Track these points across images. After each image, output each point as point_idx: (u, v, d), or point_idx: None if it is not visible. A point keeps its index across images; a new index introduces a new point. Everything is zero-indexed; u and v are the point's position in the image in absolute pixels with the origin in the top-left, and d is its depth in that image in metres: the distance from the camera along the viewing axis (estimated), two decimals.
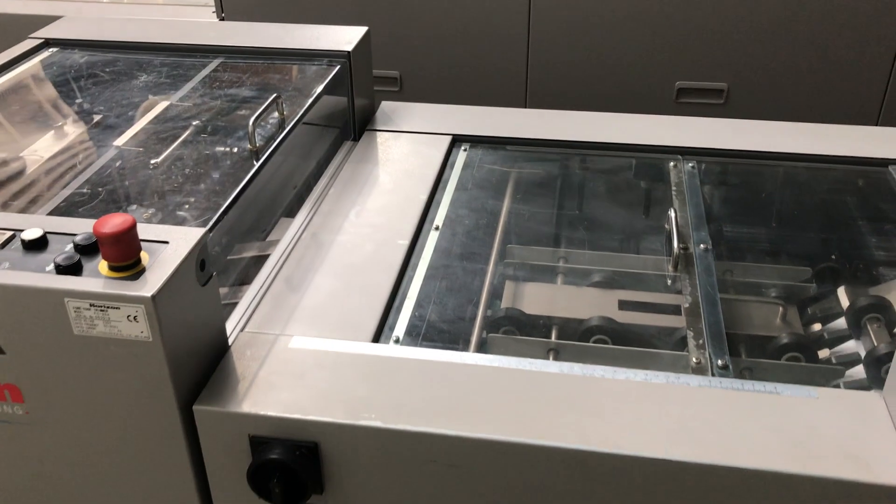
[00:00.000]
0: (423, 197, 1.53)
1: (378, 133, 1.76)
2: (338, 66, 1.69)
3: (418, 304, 1.29)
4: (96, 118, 1.54)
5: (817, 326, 1.43)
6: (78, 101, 1.59)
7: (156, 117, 1.50)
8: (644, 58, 2.41)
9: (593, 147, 1.71)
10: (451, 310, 1.33)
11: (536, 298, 1.47)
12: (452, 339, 1.28)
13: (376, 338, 1.19)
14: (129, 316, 0.98)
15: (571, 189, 1.72)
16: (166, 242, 1.06)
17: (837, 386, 1.25)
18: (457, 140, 1.74)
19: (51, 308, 0.99)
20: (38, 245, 1.05)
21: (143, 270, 1.01)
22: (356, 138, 1.73)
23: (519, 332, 1.38)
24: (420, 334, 1.24)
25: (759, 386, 1.07)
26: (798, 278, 1.49)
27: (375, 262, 1.35)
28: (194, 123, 1.51)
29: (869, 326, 1.34)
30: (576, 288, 1.50)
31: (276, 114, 1.52)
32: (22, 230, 1.07)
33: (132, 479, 1.12)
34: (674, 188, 1.59)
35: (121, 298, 0.97)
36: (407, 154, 1.68)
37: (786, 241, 1.58)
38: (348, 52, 1.70)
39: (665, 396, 1.05)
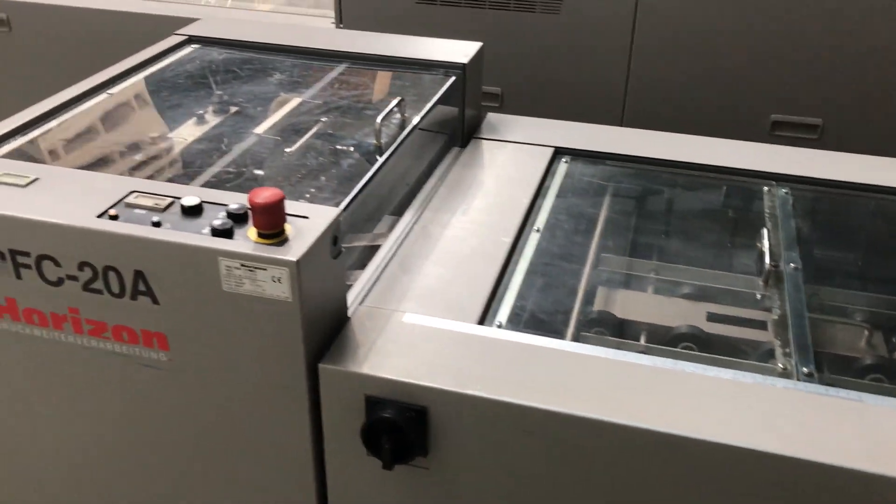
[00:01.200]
0: (526, 202, 1.63)
1: (484, 141, 1.87)
2: (453, 77, 1.81)
3: (520, 296, 1.39)
4: (234, 109, 1.70)
5: None
6: (218, 92, 1.76)
7: (289, 111, 1.65)
8: (742, 87, 2.47)
9: (689, 167, 1.79)
10: (549, 304, 1.43)
11: (627, 304, 1.55)
12: (549, 330, 1.38)
13: (481, 321, 1.30)
14: (273, 277, 1.11)
15: (665, 206, 1.80)
16: (306, 217, 1.19)
17: None
18: (558, 152, 1.84)
19: (205, 265, 1.13)
20: (195, 211, 1.20)
21: (286, 239, 1.14)
22: (463, 145, 1.85)
23: (609, 333, 1.47)
24: (521, 322, 1.34)
25: (843, 393, 1.13)
26: (885, 306, 1.54)
27: (481, 255, 1.46)
28: (323, 119, 1.65)
29: None
30: (665, 298, 1.57)
31: (397, 116, 1.65)
32: (181, 197, 1.22)
33: (256, 428, 1.25)
34: (767, 211, 1.66)
35: (268, 261, 1.10)
36: (511, 162, 1.78)
37: (875, 269, 1.62)
38: (464, 64, 1.82)
39: (751, 393, 1.13)
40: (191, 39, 1.98)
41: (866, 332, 1.46)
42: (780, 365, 1.24)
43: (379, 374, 1.16)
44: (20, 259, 1.21)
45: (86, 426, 1.35)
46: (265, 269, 1.11)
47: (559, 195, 1.70)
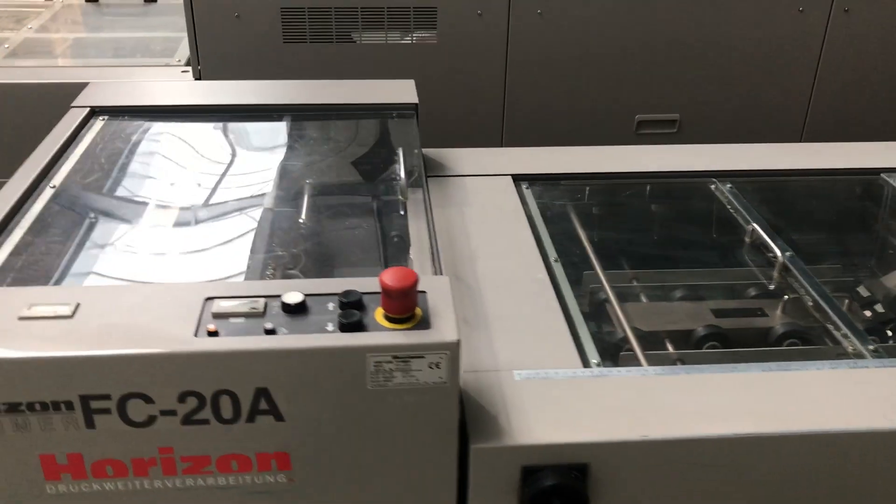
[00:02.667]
0: (528, 234, 1.62)
1: (442, 179, 1.83)
2: (413, 117, 1.75)
3: (590, 330, 1.38)
4: (204, 183, 1.51)
5: None
6: (175, 168, 1.55)
7: (279, 176, 1.50)
8: (609, 92, 2.64)
9: (640, 176, 1.88)
10: (610, 332, 1.44)
11: (645, 316, 1.60)
12: (631, 359, 1.39)
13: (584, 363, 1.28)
14: (431, 363, 1.02)
15: (631, 216, 1.88)
16: (424, 292, 1.09)
17: None
18: (516, 179, 1.85)
19: (349, 365, 1.01)
20: (300, 308, 1.06)
21: (423, 319, 1.04)
22: (423, 186, 1.80)
23: (691, 347, 1.51)
24: (608, 355, 1.34)
25: None
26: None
27: (531, 297, 1.43)
28: (312, 180, 1.52)
29: None
30: (678, 303, 1.65)
31: (395, 167, 1.56)
32: (276, 295, 1.07)
33: None
34: (729, 207, 1.79)
35: (426, 347, 1.01)
36: (482, 196, 1.76)
37: (854, 245, 1.82)
38: (416, 104, 1.77)
39: (859, 379, 1.22)
40: (94, 112, 1.72)
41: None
42: (850, 348, 1.35)
43: (536, 442, 1.10)
44: (95, 405, 1.00)
45: None
46: (422, 357, 1.01)
47: (548, 222, 1.71)
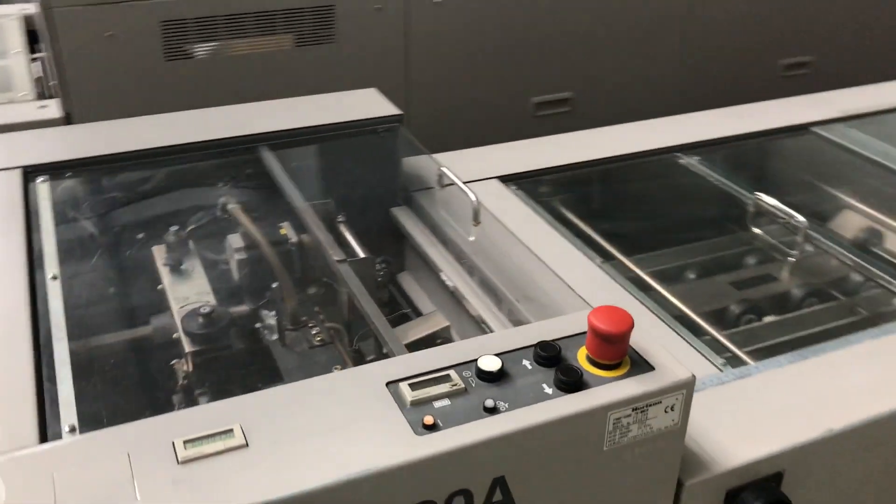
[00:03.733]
0: (555, 232, 1.53)
1: (428, 191, 1.69)
2: (399, 127, 1.59)
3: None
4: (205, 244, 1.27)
5: None
6: (171, 229, 1.28)
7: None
8: (506, 80, 2.59)
9: (621, 159, 1.85)
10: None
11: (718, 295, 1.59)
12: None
13: None
14: (667, 407, 0.91)
15: (613, 203, 1.85)
16: None
17: None
18: (503, 180, 1.75)
19: (585, 430, 0.88)
20: (500, 375, 0.90)
21: (635, 360, 0.94)
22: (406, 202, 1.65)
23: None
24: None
25: None
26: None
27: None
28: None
29: None
30: (697, 283, 1.65)
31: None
32: (464, 363, 0.91)
33: None
34: (712, 179, 1.82)
35: (664, 391, 0.90)
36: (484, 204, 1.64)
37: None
38: (401, 115, 1.61)
39: None
40: (29, 173, 1.38)
41: None
42: None
43: (739, 464, 1.03)
44: None
45: None
46: (659, 403, 0.91)
47: (555, 220, 1.62)
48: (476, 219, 1.30)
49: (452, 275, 1.43)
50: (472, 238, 1.32)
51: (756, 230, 1.72)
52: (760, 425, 1.09)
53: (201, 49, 2.16)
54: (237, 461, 0.79)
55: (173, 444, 0.80)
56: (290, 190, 1.38)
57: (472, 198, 1.29)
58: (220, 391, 1.12)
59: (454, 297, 1.40)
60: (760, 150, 2.01)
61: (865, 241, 1.74)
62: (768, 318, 1.56)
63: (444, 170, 1.37)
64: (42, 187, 1.33)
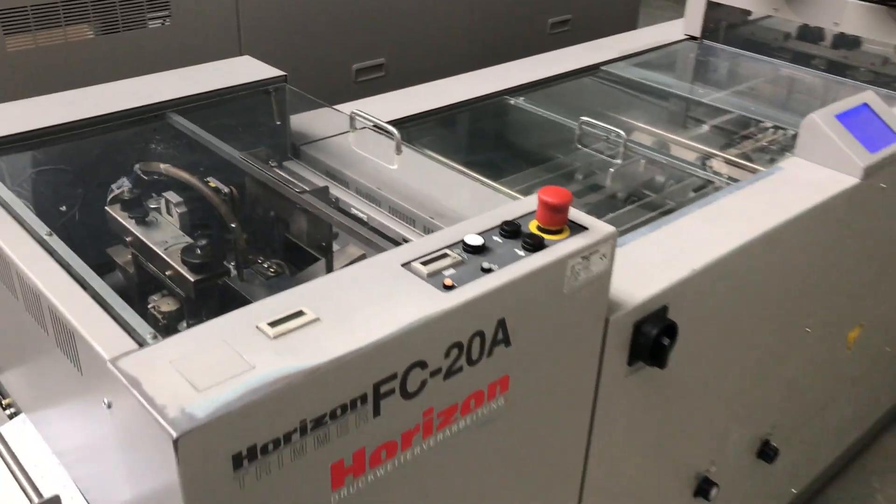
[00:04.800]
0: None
1: (320, 142, 1.87)
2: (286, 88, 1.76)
3: None
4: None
5: None
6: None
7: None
8: (331, 54, 2.80)
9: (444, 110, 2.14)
10: None
11: None
12: None
13: None
14: (602, 255, 1.21)
15: (467, 142, 2.15)
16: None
17: None
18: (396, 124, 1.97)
19: (552, 277, 1.16)
20: (483, 247, 1.16)
21: (571, 225, 1.23)
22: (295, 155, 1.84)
23: None
24: None
25: None
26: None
27: None
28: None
29: None
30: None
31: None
32: (455, 243, 1.15)
33: (562, 387, 1.30)
34: (540, 113, 2.17)
35: (600, 242, 1.20)
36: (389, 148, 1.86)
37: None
38: (285, 74, 1.78)
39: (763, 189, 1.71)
40: None
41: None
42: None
43: (639, 302, 1.36)
44: (384, 388, 1.00)
45: None
46: (597, 252, 1.20)
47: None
48: (398, 149, 1.53)
49: (364, 209, 1.65)
50: (394, 166, 1.54)
51: (585, 148, 2.09)
52: (645, 275, 1.43)
53: (41, 35, 2.15)
54: (317, 331, 0.98)
55: (257, 327, 0.97)
56: (216, 145, 1.52)
57: (394, 131, 1.52)
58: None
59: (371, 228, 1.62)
60: (567, 86, 2.39)
61: (661, 147, 2.18)
62: (617, 212, 1.93)
63: (357, 111, 1.57)
64: None
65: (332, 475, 1.00)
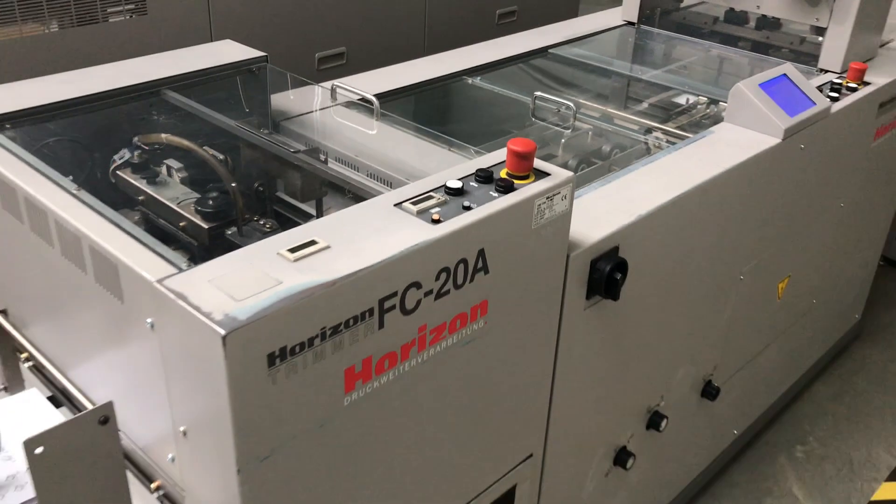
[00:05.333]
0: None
1: (302, 118, 2.04)
2: (267, 67, 1.93)
3: None
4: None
5: None
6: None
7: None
8: (296, 43, 2.95)
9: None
10: None
11: None
12: None
13: None
14: (562, 196, 1.41)
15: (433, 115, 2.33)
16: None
17: None
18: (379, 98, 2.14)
19: (522, 214, 1.35)
20: (462, 190, 1.35)
21: (538, 174, 1.42)
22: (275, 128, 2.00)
23: None
24: None
25: None
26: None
27: None
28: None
29: None
30: None
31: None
32: (438, 187, 1.33)
33: (532, 319, 1.51)
34: (497, 91, 2.36)
35: (561, 184, 1.40)
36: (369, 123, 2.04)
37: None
38: (266, 55, 1.94)
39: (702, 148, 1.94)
40: None
41: None
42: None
43: (594, 242, 1.57)
44: (387, 304, 1.18)
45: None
46: (558, 193, 1.40)
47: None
48: (377, 116, 1.71)
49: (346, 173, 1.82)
50: (374, 132, 1.72)
51: (540, 121, 2.30)
52: (598, 220, 1.63)
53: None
54: (329, 256, 1.16)
55: (279, 253, 1.15)
56: (212, 116, 1.68)
57: (374, 100, 1.70)
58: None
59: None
60: (519, 67, 2.60)
61: (607, 119, 2.40)
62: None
63: (339, 83, 1.75)
64: None
65: (345, 379, 1.17)
